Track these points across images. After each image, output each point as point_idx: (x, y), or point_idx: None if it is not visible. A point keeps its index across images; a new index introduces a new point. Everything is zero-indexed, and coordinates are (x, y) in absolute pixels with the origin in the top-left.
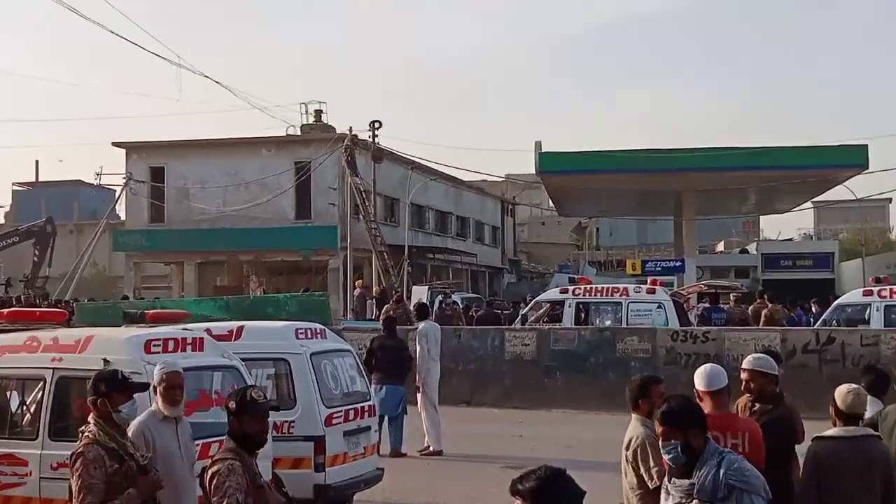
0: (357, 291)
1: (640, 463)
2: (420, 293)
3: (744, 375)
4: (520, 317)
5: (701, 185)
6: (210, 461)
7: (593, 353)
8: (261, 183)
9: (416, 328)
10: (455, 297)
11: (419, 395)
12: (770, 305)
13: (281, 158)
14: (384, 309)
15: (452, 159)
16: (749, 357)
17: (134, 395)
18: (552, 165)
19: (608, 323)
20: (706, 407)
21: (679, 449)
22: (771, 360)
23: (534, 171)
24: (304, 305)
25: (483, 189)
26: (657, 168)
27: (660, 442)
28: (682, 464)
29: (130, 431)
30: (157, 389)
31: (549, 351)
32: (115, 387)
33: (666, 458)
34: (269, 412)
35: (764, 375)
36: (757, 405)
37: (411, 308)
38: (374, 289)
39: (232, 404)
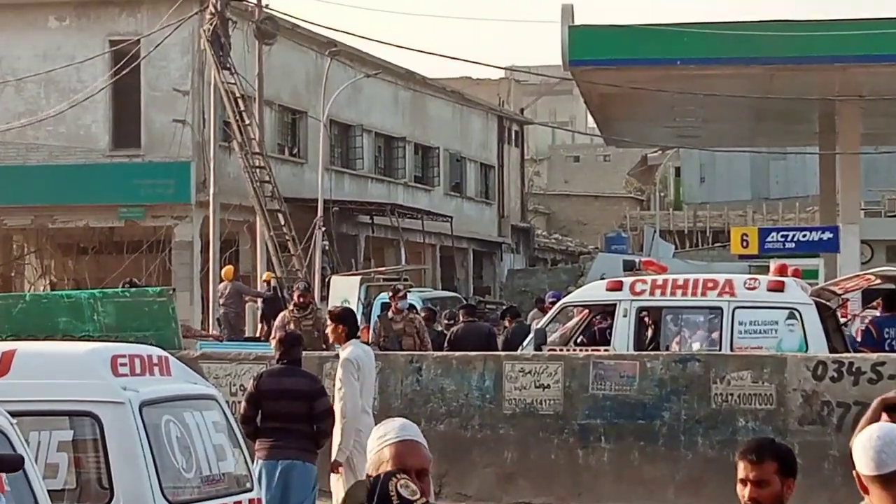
0: (225, 286)
1: None
2: (345, 290)
3: None
4: (532, 333)
5: (871, 90)
6: None
7: (669, 403)
8: (47, 81)
9: (339, 355)
10: (412, 298)
11: (337, 478)
12: None
13: (84, 35)
14: (279, 318)
15: (408, 38)
16: None
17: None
18: (593, 51)
19: (697, 346)
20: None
21: None
22: None
23: (559, 63)
24: (129, 312)
25: (465, 95)
26: (786, 57)
27: None
28: None
29: None
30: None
31: (586, 398)
32: None
33: None
34: None
35: None
36: None
37: (327, 316)
38: (268, 277)
39: None
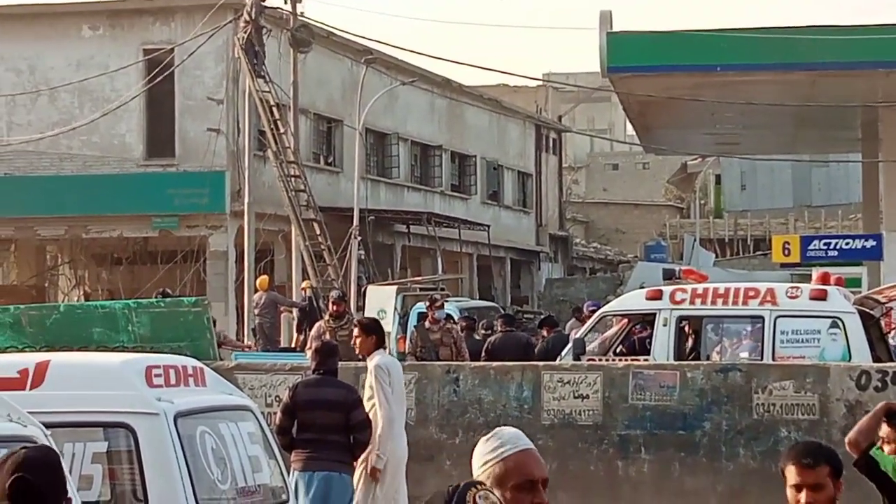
0: (260, 297)
1: None
2: (382, 299)
3: None
4: (571, 343)
5: None
6: None
7: (710, 413)
8: (80, 90)
9: (369, 366)
10: (449, 308)
11: (366, 487)
12: None
13: (117, 43)
14: (314, 328)
15: (444, 45)
16: None
17: None
18: (631, 58)
19: (741, 356)
20: None
21: None
22: None
23: (597, 70)
24: (164, 323)
25: (502, 103)
26: (828, 62)
27: None
28: None
29: None
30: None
31: (626, 408)
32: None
33: None
34: None
35: None
36: None
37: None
38: (306, 285)
39: None
